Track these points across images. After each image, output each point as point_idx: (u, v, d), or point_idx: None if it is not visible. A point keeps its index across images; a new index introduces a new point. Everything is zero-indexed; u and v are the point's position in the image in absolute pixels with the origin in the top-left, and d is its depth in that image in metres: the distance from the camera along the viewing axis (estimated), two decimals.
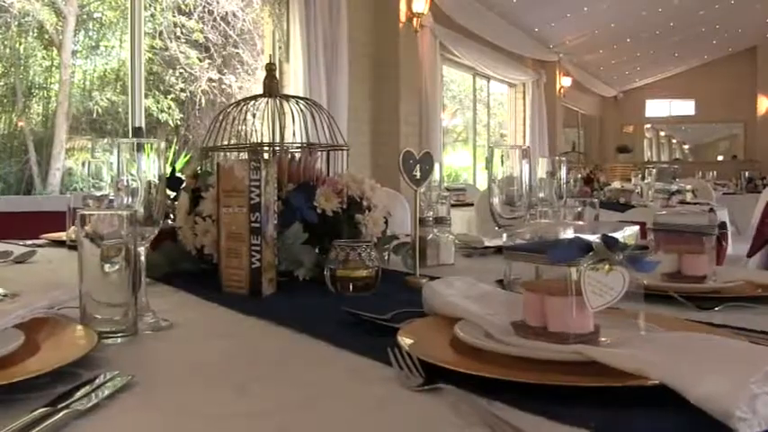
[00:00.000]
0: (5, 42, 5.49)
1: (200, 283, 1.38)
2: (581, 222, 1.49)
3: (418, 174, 1.40)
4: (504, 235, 1.16)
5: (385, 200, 1.53)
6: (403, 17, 6.81)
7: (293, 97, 1.63)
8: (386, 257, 1.58)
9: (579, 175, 4.34)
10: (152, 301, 1.09)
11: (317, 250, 1.41)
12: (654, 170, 5.20)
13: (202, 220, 1.43)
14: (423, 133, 7.09)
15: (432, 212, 1.93)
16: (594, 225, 1.54)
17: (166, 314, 1.10)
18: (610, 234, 0.82)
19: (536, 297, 0.83)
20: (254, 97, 1.64)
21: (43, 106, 6.03)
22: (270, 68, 1.62)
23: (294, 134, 1.68)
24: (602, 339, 0.82)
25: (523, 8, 8.95)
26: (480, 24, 8.55)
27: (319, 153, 1.65)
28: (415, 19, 6.91)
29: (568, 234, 1.04)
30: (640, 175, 5.48)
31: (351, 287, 1.28)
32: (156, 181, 1.04)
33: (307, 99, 1.65)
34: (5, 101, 5.57)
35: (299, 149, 1.56)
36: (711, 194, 5.88)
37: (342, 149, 1.63)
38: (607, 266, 0.80)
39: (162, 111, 6.95)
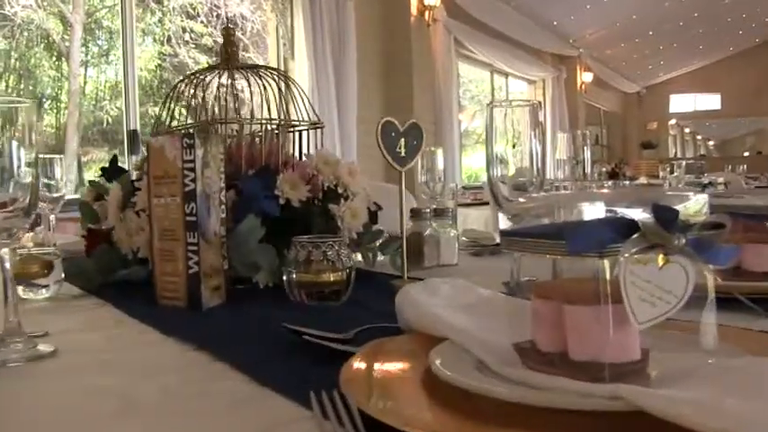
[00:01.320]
0: (12, 53, 5.30)
1: (139, 295, 1.09)
2: (616, 190, 1.18)
3: (402, 150, 1.11)
4: (502, 216, 0.87)
5: (366, 185, 1.24)
6: (414, 10, 6.51)
7: (255, 67, 1.35)
8: (370, 257, 1.29)
9: (603, 169, 4.03)
10: (55, 319, 0.84)
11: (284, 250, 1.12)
12: (683, 163, 4.86)
13: (136, 216, 1.15)
14: (438, 132, 6.79)
15: (432, 205, 1.64)
16: (635, 192, 1.22)
17: (61, 337, 0.83)
18: (664, 206, 0.52)
19: (550, 307, 0.54)
20: (211, 68, 1.36)
21: (54, 117, 5.84)
22: (227, 33, 1.33)
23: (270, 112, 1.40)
24: (653, 373, 0.53)
25: (541, 0, 8.63)
26: (496, 18, 8.23)
27: (292, 134, 1.36)
28: (427, 12, 6.61)
29: (597, 209, 0.73)
30: (669, 169, 5.15)
31: (315, 295, 0.99)
32: (23, 158, 0.76)
33: (273, 69, 1.37)
34: None
35: (262, 125, 1.28)
36: (743, 187, 5.53)
37: (315, 128, 1.34)
38: (661, 257, 0.51)
39: (173, 118, 6.75)
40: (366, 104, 5.82)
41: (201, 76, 1.34)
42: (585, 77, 11.51)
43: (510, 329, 0.59)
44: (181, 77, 1.38)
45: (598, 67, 12.02)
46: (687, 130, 16.65)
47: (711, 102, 15.25)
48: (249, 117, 1.26)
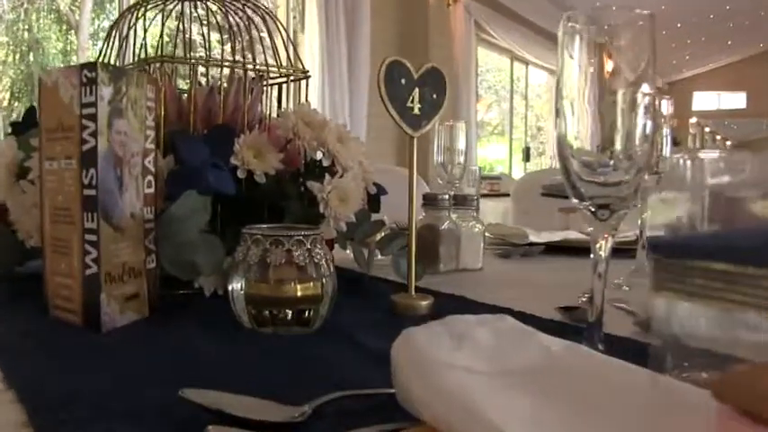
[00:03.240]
0: (21, 25, 5.00)
1: (39, 300, 0.75)
2: None
3: (416, 105, 0.76)
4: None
5: (363, 159, 0.89)
6: None
7: None
8: (365, 257, 0.94)
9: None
10: None
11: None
12: None
13: (30, 186, 0.81)
14: (455, 118, 6.41)
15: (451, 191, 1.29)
16: None
17: None
18: None
19: None
20: None
21: None
22: None
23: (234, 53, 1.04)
24: None
25: None
26: (518, 1, 7.84)
27: (267, 87, 1.01)
28: None
29: None
30: None
31: (272, 319, 0.65)
32: None
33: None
34: (24, 87, 5.04)
35: (221, 66, 0.92)
36: None
37: (296, 79, 0.98)
38: None
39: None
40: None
41: (139, 9, 0.99)
42: (607, 66, 11.07)
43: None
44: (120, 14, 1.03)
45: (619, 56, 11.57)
46: (707, 130, 16.18)
47: (736, 100, 14.78)
48: (204, 57, 0.91)
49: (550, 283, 1.03)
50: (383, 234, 0.94)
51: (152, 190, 0.73)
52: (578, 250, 1.35)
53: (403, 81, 0.75)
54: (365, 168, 0.88)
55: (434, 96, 0.77)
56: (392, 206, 1.00)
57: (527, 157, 8.94)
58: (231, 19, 0.95)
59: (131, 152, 0.70)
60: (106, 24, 5.78)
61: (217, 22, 0.96)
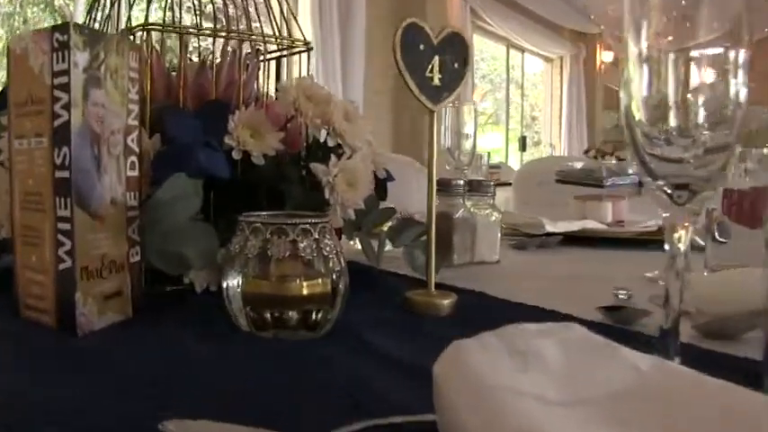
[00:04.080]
0: (16, 17, 4.91)
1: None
2: None
3: (436, 75, 0.67)
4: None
5: (368, 135, 0.80)
6: None
7: None
8: (374, 249, 0.85)
9: None
10: None
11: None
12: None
13: (2, 169, 0.71)
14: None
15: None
16: None
17: None
18: None
19: None
20: None
21: None
22: None
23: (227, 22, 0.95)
24: None
25: None
26: None
27: (263, 62, 0.92)
28: None
29: None
30: None
31: (273, 322, 0.56)
32: None
33: None
34: None
35: (212, 36, 0.83)
36: None
37: (297, 51, 0.89)
38: None
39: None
40: (374, 76, 5.34)
41: None
42: (606, 57, 10.98)
43: None
44: None
45: (618, 46, 11.48)
46: None
47: None
48: (194, 25, 0.81)
49: (576, 277, 0.94)
50: (393, 223, 0.85)
51: (136, 173, 0.64)
52: (597, 241, 1.27)
53: (421, 47, 0.66)
54: (375, 149, 0.79)
55: (456, 66, 0.68)
56: (391, 195, 0.91)
57: (523, 147, 8.85)
58: None
59: (111, 128, 0.60)
60: (99, 15, 5.69)
61: None
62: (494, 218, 1.02)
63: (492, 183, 1.04)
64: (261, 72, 0.93)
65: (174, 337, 0.56)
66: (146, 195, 0.66)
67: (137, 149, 0.64)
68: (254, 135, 0.72)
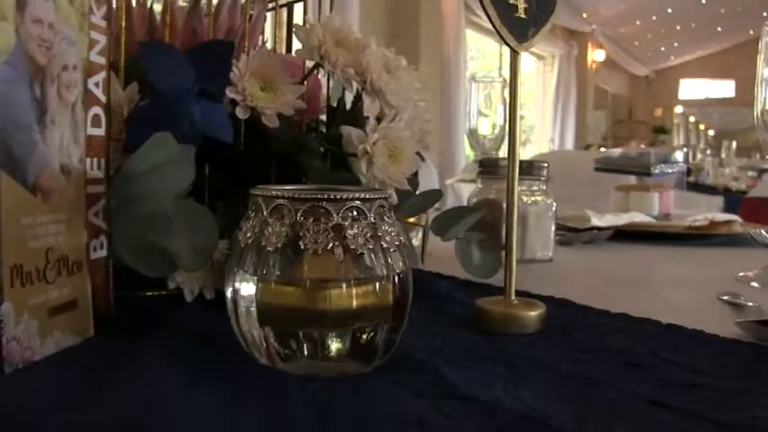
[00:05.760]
0: None
1: None
2: None
3: (521, 5, 0.48)
4: None
5: (414, 94, 0.61)
6: None
7: None
8: (413, 242, 0.66)
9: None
10: None
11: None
12: (733, 143, 4.18)
13: None
14: (443, 102, 6.15)
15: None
16: None
17: None
18: None
19: None
20: None
21: None
22: None
23: None
24: None
25: None
26: None
27: (272, 10, 0.74)
28: None
29: None
30: (709, 151, 4.51)
31: (306, 351, 0.37)
32: None
33: None
34: None
35: None
36: None
37: None
38: None
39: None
40: None
41: None
42: (597, 56, 10.84)
43: None
44: None
45: (610, 45, 11.36)
46: (692, 119, 16.03)
47: (725, 89, 14.60)
48: None
49: (651, 280, 0.76)
50: (441, 211, 0.66)
51: (101, 131, 0.45)
52: (647, 236, 1.09)
53: None
54: (423, 114, 0.60)
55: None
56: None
57: None
58: None
59: (63, 62, 0.41)
60: None
61: None
62: (548, 204, 0.83)
63: (546, 164, 0.85)
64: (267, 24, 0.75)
65: (155, 376, 0.37)
66: (116, 165, 0.47)
67: (103, 98, 0.45)
68: (266, 88, 0.53)
